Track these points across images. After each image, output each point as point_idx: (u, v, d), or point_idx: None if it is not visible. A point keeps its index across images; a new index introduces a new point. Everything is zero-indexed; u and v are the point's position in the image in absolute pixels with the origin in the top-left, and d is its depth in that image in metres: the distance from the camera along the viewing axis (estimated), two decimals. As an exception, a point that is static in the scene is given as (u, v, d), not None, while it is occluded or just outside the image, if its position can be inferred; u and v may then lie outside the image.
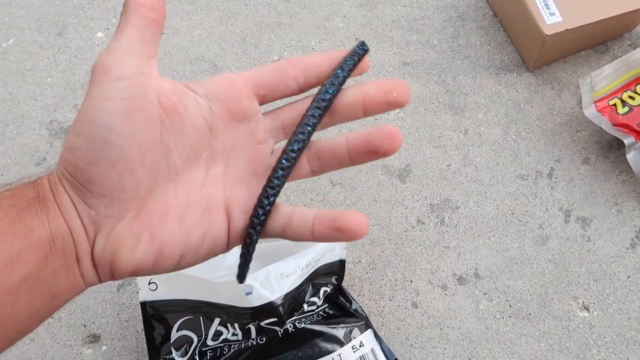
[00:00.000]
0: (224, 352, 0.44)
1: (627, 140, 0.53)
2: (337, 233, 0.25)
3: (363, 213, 0.26)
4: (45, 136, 0.60)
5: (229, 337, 0.44)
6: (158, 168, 0.25)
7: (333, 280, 0.49)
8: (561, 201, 0.55)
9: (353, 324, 0.45)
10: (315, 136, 0.27)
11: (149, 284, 0.43)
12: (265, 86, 0.27)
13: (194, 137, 0.26)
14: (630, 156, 0.53)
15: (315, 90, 0.27)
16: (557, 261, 0.52)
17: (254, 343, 0.44)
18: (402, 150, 0.58)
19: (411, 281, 0.52)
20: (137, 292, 0.44)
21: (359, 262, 0.53)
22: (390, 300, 0.51)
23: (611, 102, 0.54)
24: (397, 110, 0.60)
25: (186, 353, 0.44)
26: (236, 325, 0.44)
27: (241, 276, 0.28)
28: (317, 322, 0.45)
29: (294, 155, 0.26)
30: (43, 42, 0.65)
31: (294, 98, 0.29)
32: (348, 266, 0.51)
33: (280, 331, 0.44)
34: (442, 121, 0.59)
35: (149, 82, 0.24)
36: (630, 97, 0.54)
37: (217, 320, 0.44)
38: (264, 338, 0.44)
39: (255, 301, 0.42)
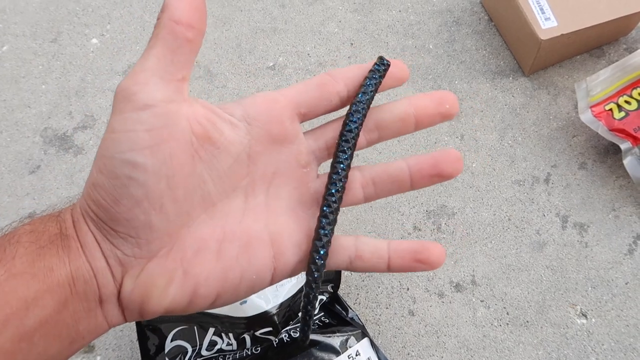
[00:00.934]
0: (219, 362, 0.43)
1: (624, 145, 0.53)
2: (419, 265, 0.25)
3: (440, 244, 0.26)
4: (40, 144, 0.59)
5: (224, 347, 0.44)
6: (191, 201, 0.23)
7: (329, 288, 0.49)
8: (558, 207, 0.55)
9: (349, 333, 0.44)
10: (365, 160, 0.27)
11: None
12: (307, 104, 0.25)
13: (231, 164, 0.24)
14: (627, 161, 0.53)
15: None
16: (554, 267, 0.52)
17: (249, 353, 0.43)
18: (398, 156, 0.58)
19: (408, 289, 0.52)
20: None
21: (355, 270, 0.53)
22: (387, 308, 0.51)
23: (607, 107, 0.54)
24: (393, 116, 0.60)
25: (180, 363, 0.44)
26: (231, 335, 0.44)
27: (305, 337, 0.26)
28: (312, 331, 0.45)
29: (341, 178, 0.24)
30: (37, 48, 0.65)
31: (334, 114, 0.27)
32: (344, 274, 0.51)
33: (276, 341, 0.44)
34: (438, 126, 0.59)
35: (179, 108, 0.22)
36: (626, 101, 0.54)
37: (211, 330, 0.44)
38: (259, 348, 0.44)
39: (249, 310, 0.42)
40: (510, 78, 0.61)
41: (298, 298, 0.46)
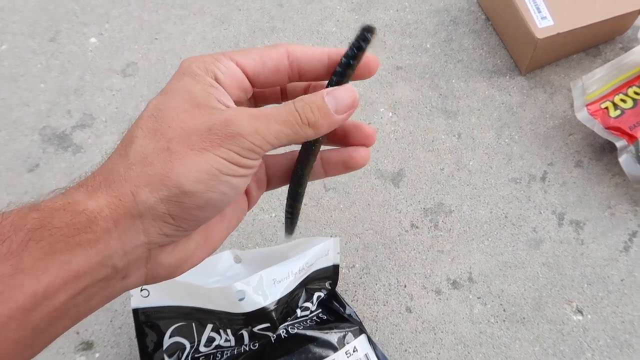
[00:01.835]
0: (217, 359, 0.43)
1: (619, 143, 0.53)
2: (349, 169, 0.30)
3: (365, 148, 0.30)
4: (38, 142, 0.60)
5: (222, 343, 0.44)
6: None
7: (327, 285, 0.49)
8: (554, 204, 0.55)
9: (347, 329, 0.45)
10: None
11: (141, 290, 0.43)
12: (262, 83, 0.28)
13: None
14: (622, 159, 0.53)
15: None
16: (550, 265, 0.52)
17: (247, 349, 0.44)
18: (396, 154, 0.58)
19: (405, 286, 0.52)
20: (130, 298, 0.44)
21: (352, 267, 0.53)
22: (384, 305, 0.51)
23: (603, 105, 0.54)
24: (390, 114, 0.60)
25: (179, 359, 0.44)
26: (229, 331, 0.44)
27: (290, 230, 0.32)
28: (310, 328, 0.45)
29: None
30: (36, 47, 0.65)
31: None
32: (342, 271, 0.51)
33: (273, 337, 0.44)
34: (436, 125, 0.59)
35: None
36: (622, 100, 0.54)
37: (209, 327, 0.44)
38: (257, 344, 0.44)
39: (247, 307, 0.42)
40: (507, 77, 0.62)
41: (295, 294, 0.47)
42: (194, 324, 0.44)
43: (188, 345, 0.44)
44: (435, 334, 0.50)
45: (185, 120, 0.23)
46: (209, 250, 0.27)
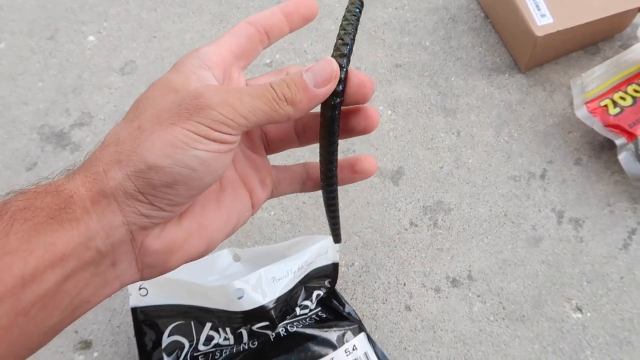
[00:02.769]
0: (216, 357, 0.43)
1: (619, 141, 0.53)
2: (357, 175, 0.31)
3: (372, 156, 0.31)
4: (36, 141, 0.59)
5: (221, 341, 0.44)
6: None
7: (326, 283, 0.49)
8: (554, 202, 0.55)
9: (346, 327, 0.45)
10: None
11: (140, 289, 0.43)
12: (245, 58, 0.28)
13: None
14: (621, 157, 0.53)
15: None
16: (550, 262, 0.52)
17: (246, 347, 0.44)
18: (395, 152, 0.58)
19: (404, 284, 0.52)
20: (128, 297, 0.44)
21: (352, 265, 0.53)
22: (384, 303, 0.51)
23: (602, 103, 0.54)
24: (389, 112, 0.60)
25: (178, 358, 0.44)
26: (228, 329, 0.44)
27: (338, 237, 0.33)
28: (309, 326, 0.45)
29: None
30: (34, 46, 0.65)
31: None
32: (341, 269, 0.51)
33: (272, 335, 0.44)
34: (435, 123, 0.59)
35: None
36: (621, 97, 0.54)
37: (208, 325, 0.44)
38: (256, 342, 0.44)
39: (246, 305, 0.42)
40: (507, 75, 0.62)
41: (295, 293, 0.46)
42: (192, 323, 0.44)
43: (187, 344, 0.44)
44: (434, 332, 0.50)
45: (158, 102, 0.23)
46: (205, 240, 0.26)
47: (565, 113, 0.59)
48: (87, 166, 0.23)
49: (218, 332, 0.44)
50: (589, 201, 0.55)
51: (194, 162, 0.22)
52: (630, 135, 0.52)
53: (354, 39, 0.26)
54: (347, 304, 0.49)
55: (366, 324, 0.50)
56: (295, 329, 0.44)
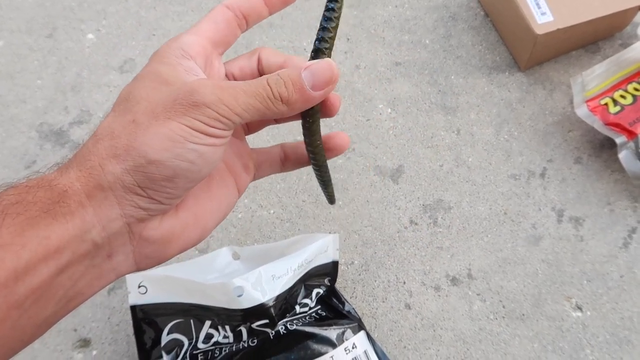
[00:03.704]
0: (215, 355, 0.43)
1: (619, 139, 0.53)
2: (330, 153, 0.31)
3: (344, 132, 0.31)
4: (35, 139, 0.59)
5: (220, 339, 0.44)
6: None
7: (326, 281, 0.49)
8: (554, 201, 0.55)
9: (346, 326, 0.44)
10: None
11: (139, 287, 0.43)
12: (223, 43, 0.29)
13: None
14: (622, 155, 0.53)
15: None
16: (550, 261, 0.52)
17: (246, 345, 0.43)
18: (395, 150, 0.58)
19: (404, 282, 0.52)
20: (127, 295, 0.44)
21: (351, 264, 0.53)
22: (383, 301, 0.51)
23: (603, 102, 0.54)
24: (389, 110, 0.60)
25: (177, 356, 0.43)
26: (227, 327, 0.44)
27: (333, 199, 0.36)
28: (309, 324, 0.45)
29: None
30: (33, 44, 0.65)
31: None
32: (341, 267, 0.51)
33: (272, 333, 0.44)
34: (435, 121, 0.59)
35: None
36: (621, 96, 0.54)
37: (208, 323, 0.44)
38: (256, 340, 0.44)
39: (246, 303, 0.42)
40: (506, 73, 0.62)
41: (294, 291, 0.46)
42: (192, 321, 0.44)
43: (186, 342, 0.44)
44: (434, 330, 0.50)
45: (152, 95, 0.23)
46: (200, 231, 0.27)
47: (566, 111, 0.59)
48: (81, 160, 0.23)
49: (217, 330, 0.44)
50: (589, 200, 0.55)
51: (192, 155, 0.23)
52: (631, 134, 0.52)
53: (333, 37, 0.26)
54: (347, 302, 0.49)
55: (366, 322, 0.50)
56: (295, 327, 0.44)
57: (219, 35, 0.27)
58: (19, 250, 0.20)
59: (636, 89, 0.54)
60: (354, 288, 0.52)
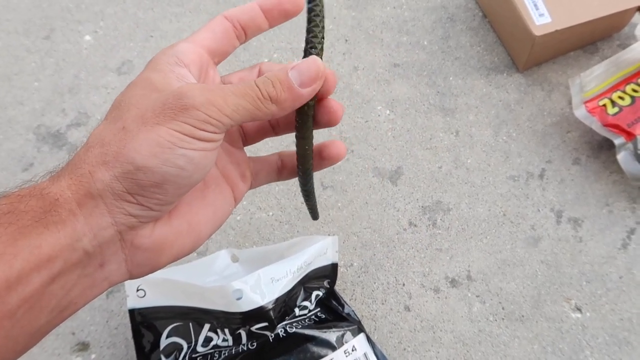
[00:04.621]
0: (215, 358, 0.43)
1: (617, 140, 0.53)
2: (325, 161, 0.31)
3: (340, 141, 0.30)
4: (33, 141, 0.59)
5: (220, 342, 0.44)
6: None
7: (325, 284, 0.49)
8: (552, 202, 0.55)
9: (345, 328, 0.44)
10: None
11: (137, 290, 0.42)
12: (220, 53, 0.28)
13: None
14: (620, 156, 0.53)
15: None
16: (549, 262, 0.52)
17: (245, 348, 0.43)
18: (393, 152, 0.58)
19: (403, 284, 0.52)
20: (126, 299, 0.43)
21: (351, 266, 0.53)
22: (383, 303, 0.51)
23: (601, 103, 0.54)
24: (387, 112, 0.60)
25: (176, 360, 0.43)
26: (226, 330, 0.44)
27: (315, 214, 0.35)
28: (308, 327, 0.45)
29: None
30: (30, 45, 0.65)
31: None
32: (340, 270, 0.51)
33: (271, 336, 0.44)
34: (433, 123, 0.59)
35: None
36: (620, 97, 0.54)
37: (207, 326, 0.44)
38: (255, 343, 0.43)
39: (245, 306, 0.42)
40: (505, 74, 0.62)
41: (294, 293, 0.46)
42: (191, 324, 0.44)
43: (185, 346, 0.44)
44: (434, 332, 0.50)
45: (142, 102, 0.23)
46: (195, 238, 0.26)
47: (564, 113, 0.59)
48: (72, 168, 0.23)
49: (217, 333, 0.44)
50: (588, 201, 0.55)
51: (181, 161, 0.22)
52: (629, 135, 0.52)
53: (317, 36, 0.26)
54: (347, 304, 0.49)
55: (365, 324, 0.50)
56: (294, 329, 0.44)
57: (215, 44, 0.27)
58: (10, 259, 0.20)
59: (634, 90, 0.54)
60: (354, 290, 0.52)
